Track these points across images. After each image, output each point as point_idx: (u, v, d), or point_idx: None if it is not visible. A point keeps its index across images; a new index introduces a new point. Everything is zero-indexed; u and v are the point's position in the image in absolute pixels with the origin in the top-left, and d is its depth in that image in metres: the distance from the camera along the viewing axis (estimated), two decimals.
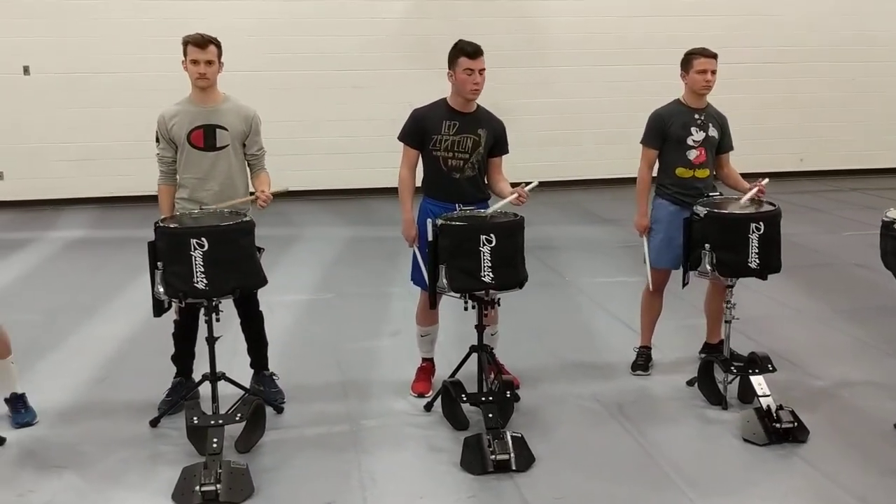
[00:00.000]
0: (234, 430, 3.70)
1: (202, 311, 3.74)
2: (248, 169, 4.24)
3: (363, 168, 10.27)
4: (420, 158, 4.22)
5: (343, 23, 10.05)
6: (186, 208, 4.05)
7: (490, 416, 3.68)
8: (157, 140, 4.12)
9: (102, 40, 9.51)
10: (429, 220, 3.82)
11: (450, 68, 4.10)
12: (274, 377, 4.37)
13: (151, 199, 9.14)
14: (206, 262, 3.52)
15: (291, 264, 7.10)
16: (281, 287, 5.56)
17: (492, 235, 3.67)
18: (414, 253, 4.28)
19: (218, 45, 4.00)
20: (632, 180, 4.68)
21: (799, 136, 11.49)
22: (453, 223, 3.77)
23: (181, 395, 4.15)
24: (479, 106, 4.23)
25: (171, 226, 3.63)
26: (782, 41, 11.14)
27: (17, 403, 4.09)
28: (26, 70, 9.35)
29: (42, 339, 5.19)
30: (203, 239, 3.52)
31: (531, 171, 4.53)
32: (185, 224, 3.69)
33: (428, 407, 4.16)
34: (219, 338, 3.78)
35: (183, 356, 4.27)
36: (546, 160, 10.03)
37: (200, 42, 3.93)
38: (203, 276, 3.53)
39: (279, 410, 4.15)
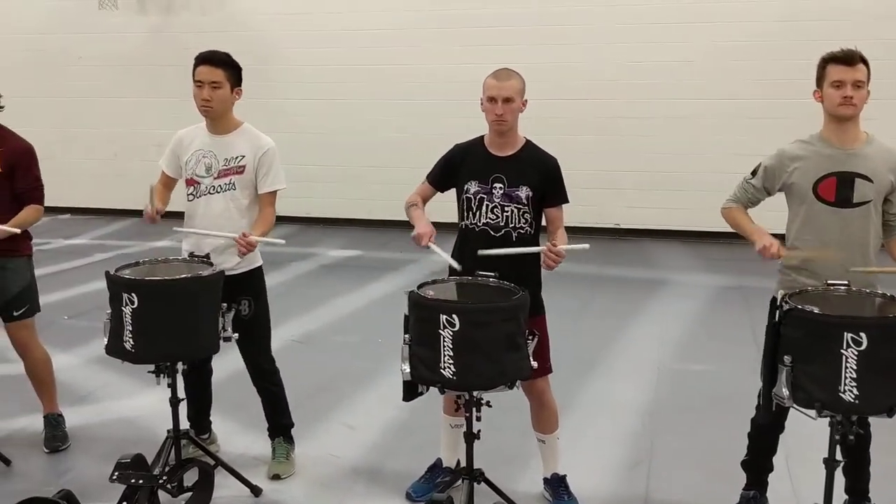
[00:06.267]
0: None
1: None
2: (879, 231, 3.13)
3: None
4: None
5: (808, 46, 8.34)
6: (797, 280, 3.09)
7: None
8: (754, 173, 3.24)
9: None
10: None
11: None
12: None
13: (611, 232, 8.64)
14: (861, 365, 2.54)
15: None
16: None
17: None
18: None
19: (867, 64, 2.98)
20: None
21: None
22: None
23: None
24: None
25: (811, 309, 2.66)
26: None
27: (559, 486, 3.52)
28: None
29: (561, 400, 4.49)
30: (861, 334, 2.54)
31: None
32: (834, 312, 2.70)
33: None
34: (841, 464, 2.79)
35: (760, 467, 3.33)
36: None
37: (849, 59, 2.93)
38: (854, 384, 2.56)
39: None
